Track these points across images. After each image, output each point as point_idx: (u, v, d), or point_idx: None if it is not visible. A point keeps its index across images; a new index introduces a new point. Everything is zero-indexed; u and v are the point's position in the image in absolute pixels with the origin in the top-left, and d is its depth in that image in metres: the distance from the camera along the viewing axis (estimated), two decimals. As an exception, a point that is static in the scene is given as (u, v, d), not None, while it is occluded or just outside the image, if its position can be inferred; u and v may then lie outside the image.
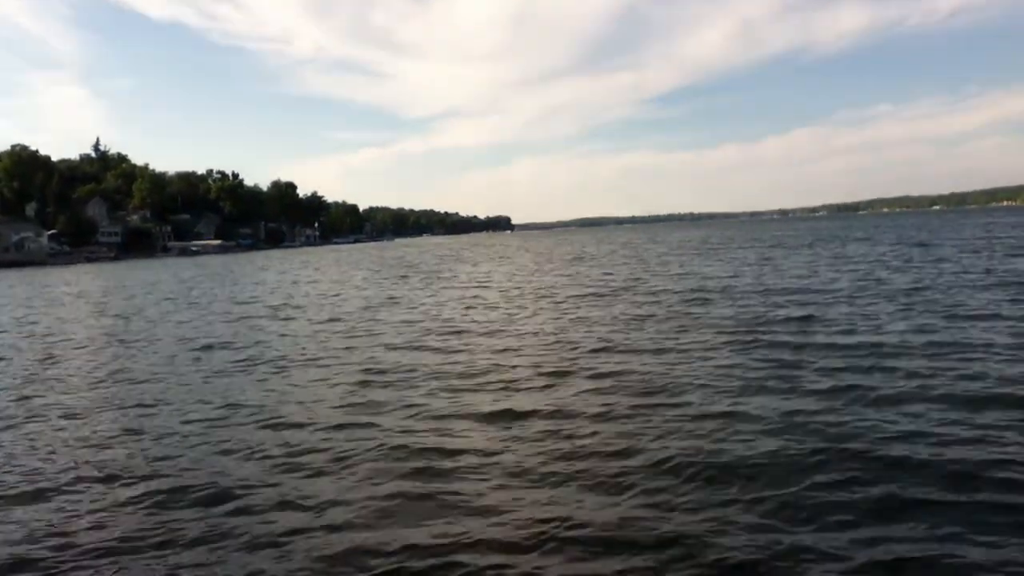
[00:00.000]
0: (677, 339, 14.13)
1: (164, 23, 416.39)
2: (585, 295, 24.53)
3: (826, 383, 9.79)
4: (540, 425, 8.62)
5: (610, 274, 34.26)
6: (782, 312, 17.04)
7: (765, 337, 13.66)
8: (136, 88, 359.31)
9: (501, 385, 10.97)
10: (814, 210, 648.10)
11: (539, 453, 7.56)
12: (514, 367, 12.31)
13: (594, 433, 8.12)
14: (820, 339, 13.18)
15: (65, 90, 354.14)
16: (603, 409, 9.12)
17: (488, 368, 12.35)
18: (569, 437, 8.04)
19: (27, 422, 10.35)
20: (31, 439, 9.35)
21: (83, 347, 18.70)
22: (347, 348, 15.64)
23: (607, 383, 10.63)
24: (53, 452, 8.67)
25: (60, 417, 10.55)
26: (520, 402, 9.80)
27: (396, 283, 36.69)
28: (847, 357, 11.39)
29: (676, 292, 23.33)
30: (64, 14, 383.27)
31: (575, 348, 13.87)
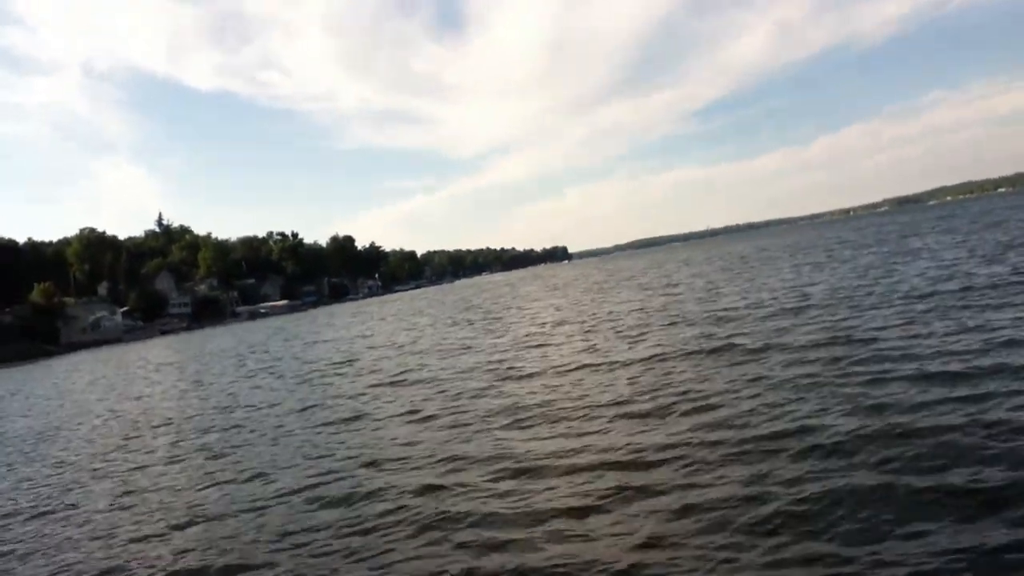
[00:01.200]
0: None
1: (213, 94, 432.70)
2: (670, 325, 21.25)
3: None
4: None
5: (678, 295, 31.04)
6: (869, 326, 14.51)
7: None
8: (192, 160, 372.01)
9: (582, 426, 10.48)
10: (875, 206, 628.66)
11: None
12: (603, 404, 11.66)
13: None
14: None
15: (124, 170, 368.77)
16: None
17: (575, 409, 11.61)
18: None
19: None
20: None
21: (168, 422, 18.00)
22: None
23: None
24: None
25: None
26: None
27: (462, 327, 34.01)
28: None
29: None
30: (118, 97, 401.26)
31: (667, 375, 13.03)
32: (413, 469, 9.67)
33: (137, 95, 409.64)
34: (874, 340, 13.05)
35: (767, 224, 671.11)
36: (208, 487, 10.58)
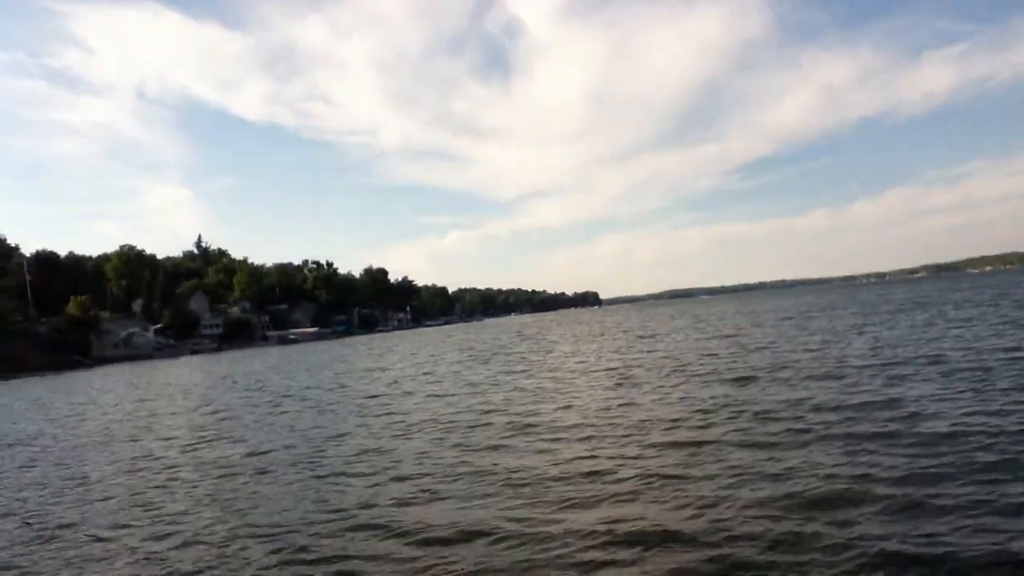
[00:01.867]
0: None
1: (261, 124, 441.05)
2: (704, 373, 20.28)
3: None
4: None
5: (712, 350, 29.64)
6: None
7: None
8: (235, 186, 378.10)
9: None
10: (913, 271, 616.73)
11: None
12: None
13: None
14: None
15: (169, 191, 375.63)
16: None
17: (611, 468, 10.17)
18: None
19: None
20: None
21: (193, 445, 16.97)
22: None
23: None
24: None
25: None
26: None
27: (493, 366, 32.36)
28: None
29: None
30: (169, 120, 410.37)
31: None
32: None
33: (187, 119, 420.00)
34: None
35: (802, 283, 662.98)
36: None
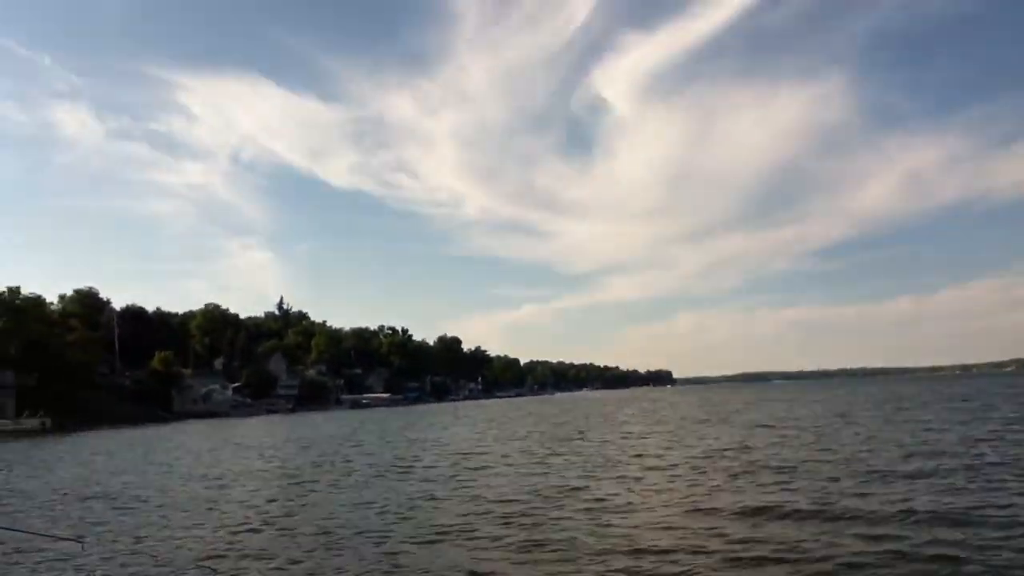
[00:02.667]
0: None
1: (346, 191, 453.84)
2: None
3: None
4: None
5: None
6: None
7: None
8: (317, 250, 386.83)
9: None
10: (1000, 365, 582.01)
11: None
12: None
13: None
14: None
15: (255, 254, 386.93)
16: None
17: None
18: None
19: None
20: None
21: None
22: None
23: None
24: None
25: None
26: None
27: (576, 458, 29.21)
28: None
29: None
30: (258, 184, 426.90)
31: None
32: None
33: (277, 185, 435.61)
34: None
35: (883, 371, 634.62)
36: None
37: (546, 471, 20.67)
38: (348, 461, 26.92)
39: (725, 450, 23.53)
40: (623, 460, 23.39)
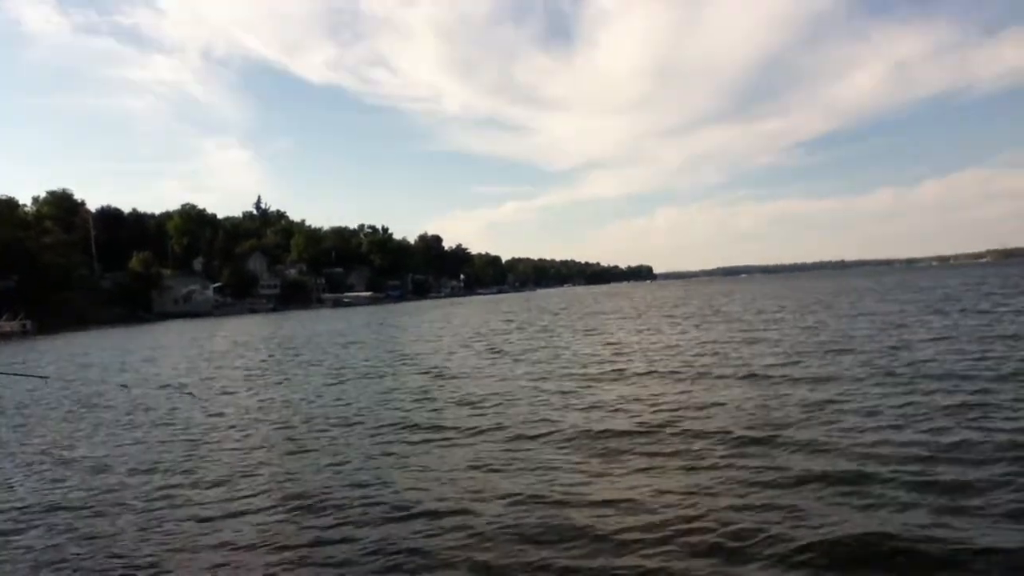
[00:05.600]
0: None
1: (323, 87, 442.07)
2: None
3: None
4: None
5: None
6: None
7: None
8: (295, 148, 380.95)
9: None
10: (977, 256, 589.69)
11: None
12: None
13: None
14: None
15: (231, 153, 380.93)
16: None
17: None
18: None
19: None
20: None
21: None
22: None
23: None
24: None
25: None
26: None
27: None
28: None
29: None
30: (232, 81, 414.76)
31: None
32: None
33: (251, 82, 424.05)
34: None
35: (860, 264, 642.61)
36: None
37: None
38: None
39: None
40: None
